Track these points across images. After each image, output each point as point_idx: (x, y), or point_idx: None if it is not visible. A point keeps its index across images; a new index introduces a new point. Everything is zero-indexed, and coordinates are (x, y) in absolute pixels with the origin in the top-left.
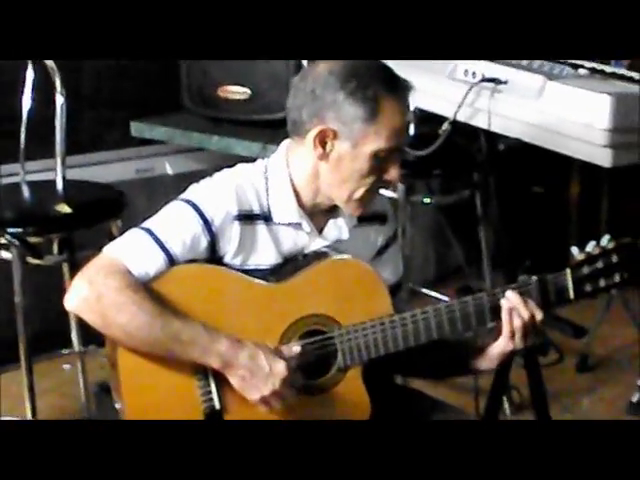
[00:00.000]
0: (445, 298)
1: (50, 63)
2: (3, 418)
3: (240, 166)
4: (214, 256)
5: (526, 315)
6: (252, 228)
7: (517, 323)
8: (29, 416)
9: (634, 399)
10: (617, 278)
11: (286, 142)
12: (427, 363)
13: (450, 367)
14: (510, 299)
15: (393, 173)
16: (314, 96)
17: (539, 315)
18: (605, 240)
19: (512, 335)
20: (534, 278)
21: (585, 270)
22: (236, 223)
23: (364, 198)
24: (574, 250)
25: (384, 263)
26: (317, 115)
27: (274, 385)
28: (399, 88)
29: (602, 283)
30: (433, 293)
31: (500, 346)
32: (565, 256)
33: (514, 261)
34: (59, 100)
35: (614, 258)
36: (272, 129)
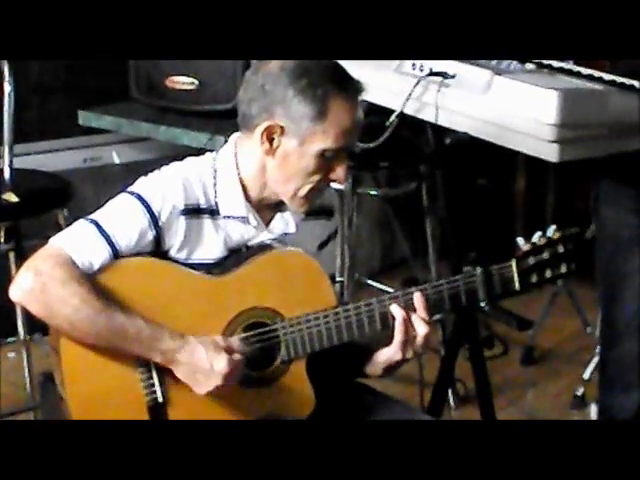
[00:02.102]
0: (390, 290)
1: None
2: None
3: (189, 159)
4: (159, 249)
5: (415, 327)
6: (198, 222)
7: (409, 333)
8: None
9: (578, 393)
10: (563, 269)
11: (235, 135)
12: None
13: (357, 367)
14: (394, 311)
15: (339, 172)
16: (264, 91)
17: (424, 329)
18: (551, 230)
19: (401, 343)
20: (479, 269)
21: (531, 261)
22: (182, 217)
23: (309, 195)
24: (520, 241)
25: (325, 258)
26: (266, 110)
27: (216, 381)
28: (350, 89)
29: (548, 274)
30: (379, 285)
31: (388, 353)
32: (511, 248)
33: (460, 253)
34: (7, 88)
35: (560, 248)
36: (219, 120)
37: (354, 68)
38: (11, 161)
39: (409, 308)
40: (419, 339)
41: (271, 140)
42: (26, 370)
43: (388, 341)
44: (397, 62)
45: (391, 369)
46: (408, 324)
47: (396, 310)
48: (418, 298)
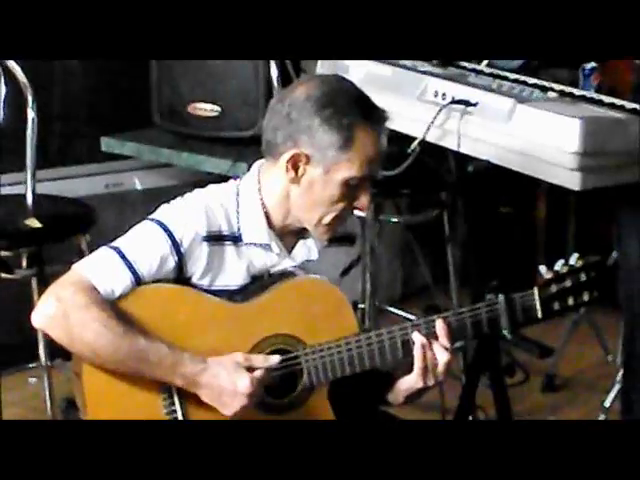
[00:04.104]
0: (412, 317)
1: (22, 78)
2: None
3: (212, 186)
4: (181, 276)
5: (436, 354)
6: (220, 249)
7: (430, 360)
8: None
9: (599, 417)
10: (586, 296)
11: (259, 162)
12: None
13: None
14: (416, 339)
15: (363, 200)
16: (290, 119)
17: (445, 356)
18: (573, 259)
19: (422, 371)
20: (501, 297)
21: (553, 289)
22: (204, 244)
23: (333, 223)
24: (542, 269)
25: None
26: (292, 138)
27: (242, 401)
28: (375, 118)
29: (570, 301)
30: (400, 312)
31: (410, 381)
32: (533, 275)
33: (481, 280)
34: (30, 114)
35: (582, 276)
36: (241, 146)
37: (377, 96)
38: (34, 187)
39: (431, 335)
40: (440, 367)
41: (296, 168)
42: (47, 396)
43: (409, 368)
44: (419, 90)
45: (413, 397)
46: (429, 351)
47: (417, 337)
48: (440, 325)
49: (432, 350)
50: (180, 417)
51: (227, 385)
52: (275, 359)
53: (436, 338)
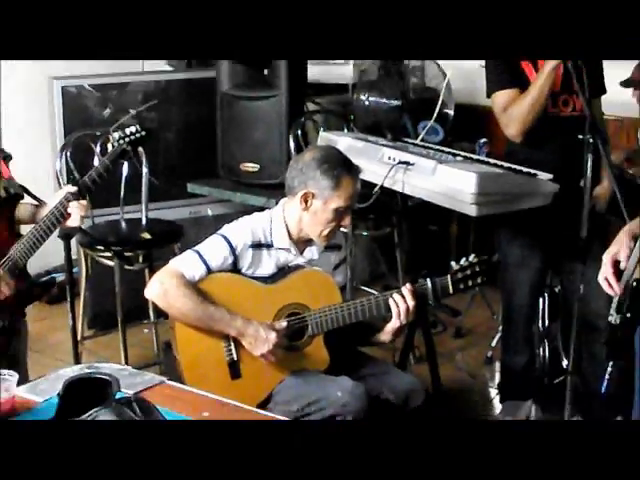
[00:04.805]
0: (375, 292)
1: (140, 148)
2: (105, 364)
3: (255, 214)
4: (236, 268)
5: (408, 306)
6: (259, 252)
7: (402, 310)
8: (123, 361)
9: (488, 355)
10: (479, 280)
11: (283, 200)
12: (356, 336)
13: (364, 338)
14: (394, 299)
15: (347, 221)
16: (302, 172)
17: (412, 306)
18: (472, 257)
19: (398, 317)
20: (428, 280)
21: (459, 275)
22: (250, 249)
23: (328, 235)
24: (453, 264)
25: (337, 274)
26: (303, 183)
27: (269, 347)
28: (353, 171)
29: (470, 283)
30: (368, 289)
31: (392, 324)
32: (447, 268)
33: (416, 271)
34: (144, 170)
35: (477, 268)
36: (272, 189)
37: (354, 159)
38: (147, 214)
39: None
40: (408, 313)
41: (306, 202)
42: (154, 340)
43: (383, 322)
44: (379, 155)
45: (397, 334)
46: (402, 304)
47: (396, 297)
48: (407, 290)
49: (405, 303)
50: (234, 354)
51: (262, 336)
52: (284, 324)
53: (403, 298)
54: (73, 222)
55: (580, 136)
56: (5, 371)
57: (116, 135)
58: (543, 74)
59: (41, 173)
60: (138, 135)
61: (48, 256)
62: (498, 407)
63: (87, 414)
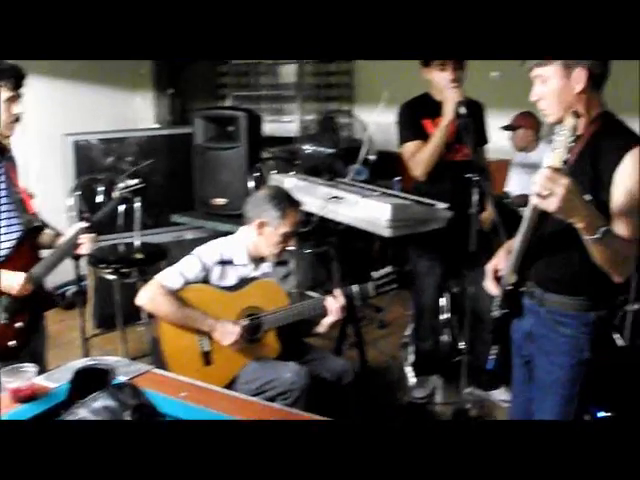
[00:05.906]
0: (316, 295)
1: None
2: (106, 357)
3: (222, 238)
4: (206, 280)
5: (339, 305)
6: (225, 267)
7: (335, 308)
8: (122, 354)
9: (403, 341)
10: (394, 285)
11: (243, 227)
12: (301, 330)
13: (307, 331)
14: (329, 301)
15: (292, 242)
16: (257, 205)
17: (342, 305)
18: (389, 268)
19: (332, 314)
20: (356, 285)
21: (380, 282)
22: (218, 265)
23: (278, 253)
24: (374, 273)
25: (285, 283)
26: (257, 215)
27: (234, 338)
28: (296, 204)
29: (387, 288)
30: (311, 293)
31: (328, 319)
32: (370, 276)
33: (348, 278)
34: (137, 204)
35: (392, 276)
36: (237, 218)
37: (299, 195)
38: (139, 239)
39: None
40: (340, 310)
41: (260, 228)
42: (146, 335)
43: (321, 318)
44: (318, 192)
45: (332, 327)
46: (336, 304)
47: (331, 299)
48: (339, 293)
49: (337, 303)
50: (206, 345)
51: (228, 331)
52: (244, 322)
53: (335, 300)
54: (84, 250)
55: (468, 175)
56: (27, 364)
57: (121, 185)
58: (440, 129)
59: (55, 209)
60: (139, 186)
61: (63, 273)
62: (412, 381)
63: (90, 396)
